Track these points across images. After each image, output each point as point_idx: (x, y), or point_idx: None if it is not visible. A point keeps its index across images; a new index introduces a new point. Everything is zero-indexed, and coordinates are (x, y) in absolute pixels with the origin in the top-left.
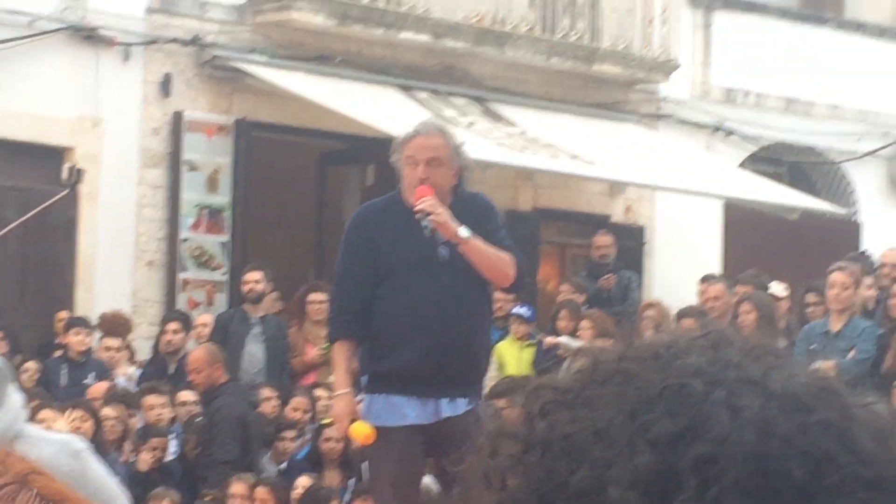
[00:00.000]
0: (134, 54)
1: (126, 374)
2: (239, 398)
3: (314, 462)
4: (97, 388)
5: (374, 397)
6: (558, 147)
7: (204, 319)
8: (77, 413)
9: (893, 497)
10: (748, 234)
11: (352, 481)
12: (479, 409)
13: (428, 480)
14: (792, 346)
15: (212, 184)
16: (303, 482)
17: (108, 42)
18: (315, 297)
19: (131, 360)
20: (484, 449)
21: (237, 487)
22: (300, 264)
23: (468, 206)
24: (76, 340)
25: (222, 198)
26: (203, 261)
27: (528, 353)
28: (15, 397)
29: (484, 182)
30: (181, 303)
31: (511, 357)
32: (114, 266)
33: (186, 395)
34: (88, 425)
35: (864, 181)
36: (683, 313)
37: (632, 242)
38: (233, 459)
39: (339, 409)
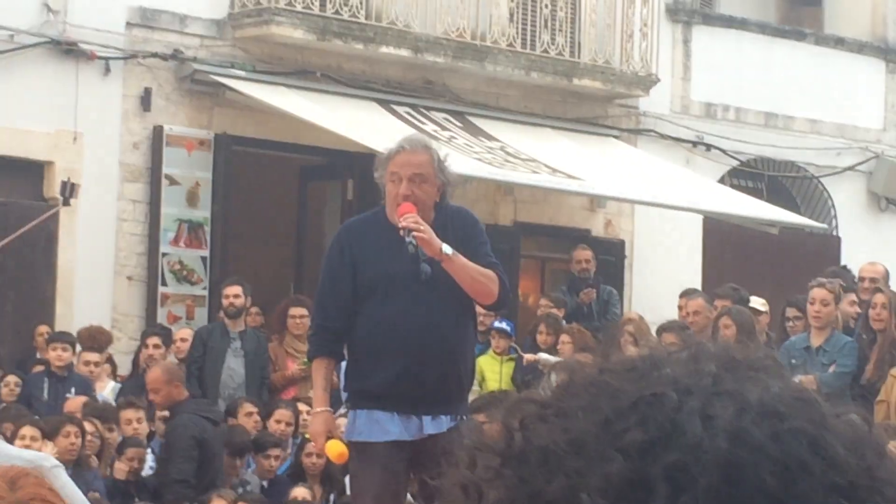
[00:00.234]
0: (114, 69)
1: (107, 389)
2: (195, 416)
3: (296, 477)
4: (74, 403)
5: (357, 413)
6: (538, 162)
7: (183, 334)
8: (72, 429)
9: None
10: (728, 248)
11: (332, 496)
12: (462, 427)
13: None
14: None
15: (192, 198)
16: (300, 493)
17: (88, 56)
18: (296, 311)
19: (113, 374)
20: (462, 462)
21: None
22: (280, 278)
23: (451, 221)
24: (54, 356)
25: (202, 212)
26: (183, 275)
27: (509, 368)
28: None
29: (464, 196)
30: (161, 317)
31: (491, 371)
32: (93, 280)
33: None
34: (79, 441)
35: (844, 196)
36: (664, 328)
37: (612, 257)
38: (186, 479)
39: (316, 427)
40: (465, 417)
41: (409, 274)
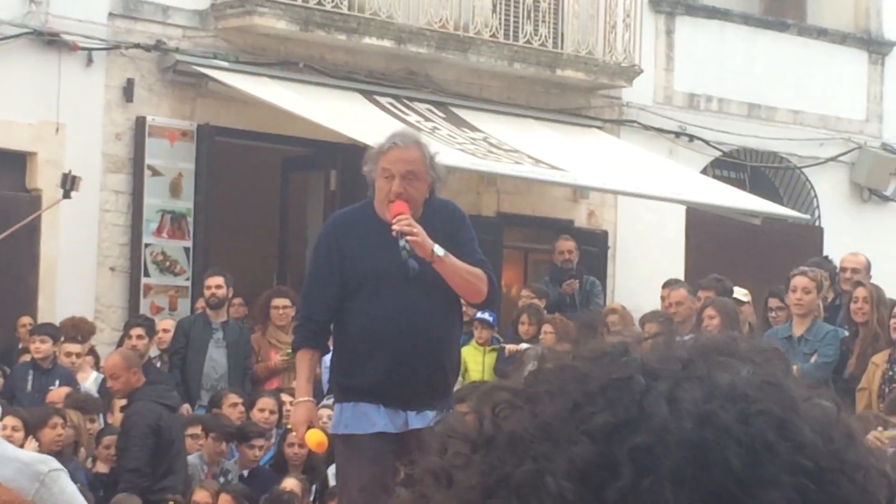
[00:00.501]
0: (96, 59)
1: (89, 380)
2: (152, 403)
3: (278, 467)
4: (57, 394)
5: (343, 406)
6: (522, 152)
7: (165, 325)
8: (57, 420)
9: (832, 486)
10: (711, 239)
11: (314, 487)
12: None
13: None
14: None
15: (175, 189)
16: (289, 483)
17: (70, 47)
18: (279, 301)
19: (95, 365)
20: (433, 449)
21: (200, 495)
22: (263, 269)
23: (439, 215)
24: (34, 348)
25: (185, 203)
26: (166, 266)
27: (491, 358)
28: None
29: (447, 187)
30: (144, 308)
31: (474, 362)
32: (76, 271)
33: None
34: (65, 433)
35: (827, 186)
36: (647, 318)
37: (595, 247)
38: (139, 468)
39: (297, 417)
40: (449, 411)
41: (398, 270)
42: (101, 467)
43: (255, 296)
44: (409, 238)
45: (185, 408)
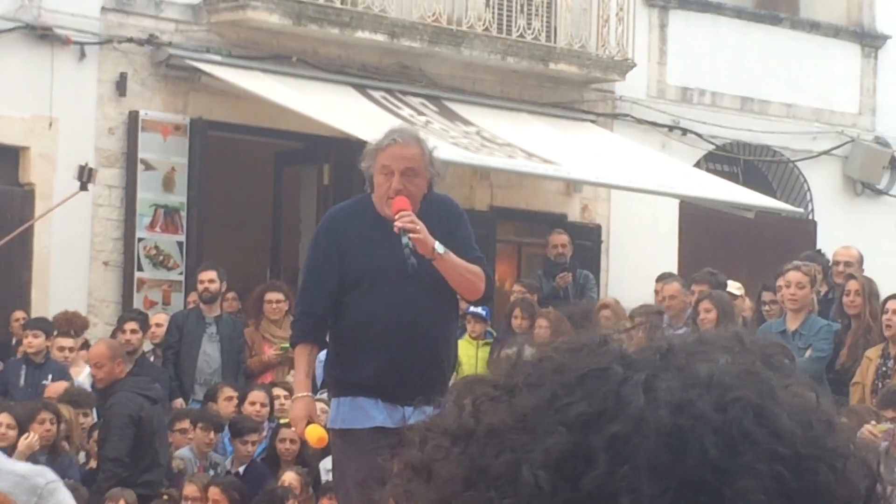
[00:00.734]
0: (89, 54)
1: (83, 375)
2: (133, 394)
3: (270, 461)
4: (54, 388)
5: (340, 401)
6: (515, 146)
7: (158, 319)
8: (47, 415)
9: (811, 473)
10: (704, 232)
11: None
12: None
13: None
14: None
15: (168, 183)
16: (288, 478)
17: (63, 41)
18: (272, 296)
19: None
20: (414, 442)
21: (189, 489)
22: (256, 263)
23: (437, 211)
24: (28, 342)
25: (178, 197)
26: (159, 260)
27: (484, 352)
28: None
29: (440, 181)
30: (137, 302)
31: (467, 356)
32: (70, 266)
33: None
34: (55, 428)
35: (820, 180)
36: (637, 312)
37: (588, 241)
38: (119, 457)
39: (296, 412)
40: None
41: (396, 267)
42: (94, 462)
43: (249, 290)
44: (411, 236)
45: (179, 402)
